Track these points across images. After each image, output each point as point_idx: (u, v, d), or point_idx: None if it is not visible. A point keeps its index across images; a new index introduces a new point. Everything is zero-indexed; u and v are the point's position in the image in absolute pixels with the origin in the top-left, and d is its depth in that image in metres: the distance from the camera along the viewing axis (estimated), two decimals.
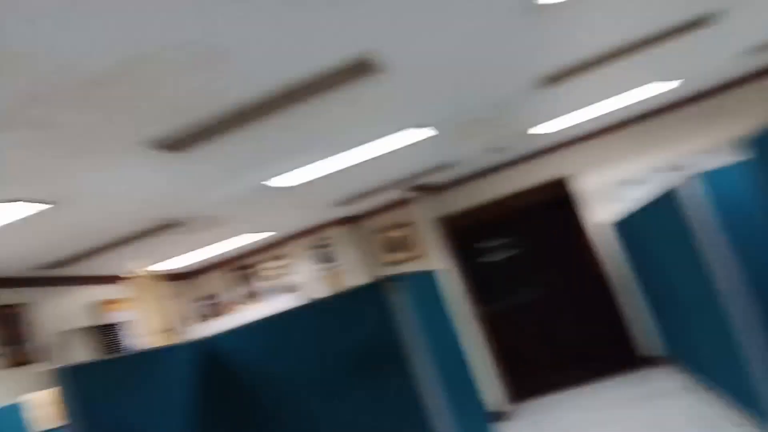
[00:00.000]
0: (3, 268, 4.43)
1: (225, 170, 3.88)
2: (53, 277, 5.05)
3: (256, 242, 6.81)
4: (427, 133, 4.50)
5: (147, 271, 3.83)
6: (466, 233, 9.35)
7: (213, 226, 5.23)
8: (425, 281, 4.41)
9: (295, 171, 4.43)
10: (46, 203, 3.29)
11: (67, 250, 4.48)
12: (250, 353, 3.51)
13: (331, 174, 4.82)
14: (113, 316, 5.66)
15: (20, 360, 4.58)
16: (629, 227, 5.56)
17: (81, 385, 2.16)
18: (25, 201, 3.12)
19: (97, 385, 2.29)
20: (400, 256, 7.13)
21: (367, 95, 3.40)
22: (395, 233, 7.14)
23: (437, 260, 6.56)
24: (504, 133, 5.42)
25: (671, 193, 3.43)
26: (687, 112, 6.55)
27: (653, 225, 4.49)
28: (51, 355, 4.86)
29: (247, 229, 5.94)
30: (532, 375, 8.14)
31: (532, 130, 5.69)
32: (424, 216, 6.67)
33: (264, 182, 4.43)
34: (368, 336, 3.37)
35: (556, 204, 8.98)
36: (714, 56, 5.16)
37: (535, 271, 9.11)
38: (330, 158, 4.42)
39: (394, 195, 6.72)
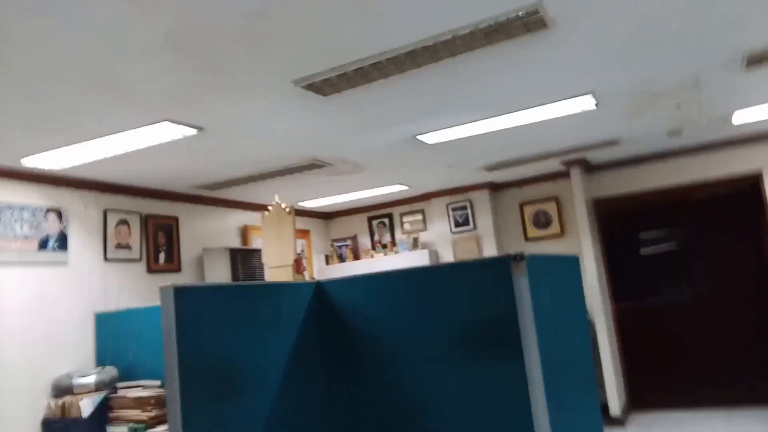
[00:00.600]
0: (161, 183, 4.80)
1: (372, 118, 3.79)
2: (205, 197, 5.41)
3: (397, 193, 6.78)
4: (593, 102, 4.04)
5: (285, 205, 3.90)
6: (619, 220, 8.59)
7: (356, 172, 5.23)
8: (564, 267, 4.05)
9: (447, 128, 4.22)
10: (194, 128, 3.42)
11: (217, 175, 4.73)
12: (365, 305, 3.47)
13: (484, 135, 4.56)
14: (255, 242, 6.00)
15: (169, 267, 5.00)
16: None
17: (180, 307, 2.19)
18: (172, 122, 3.27)
19: (198, 309, 2.32)
20: (544, 232, 6.71)
21: (532, 54, 3.07)
22: (542, 207, 6.71)
23: (583, 243, 6.06)
24: (686, 114, 4.73)
25: None
26: None
27: None
28: (194, 267, 5.26)
29: (390, 180, 5.90)
30: (661, 385, 7.41)
31: (725, 116, 4.91)
32: (578, 194, 6.16)
33: (413, 136, 4.29)
34: (484, 313, 3.17)
35: (734, 202, 7.91)
36: None
37: (689, 272, 8.18)
38: (483, 120, 4.16)
39: (547, 166, 6.27)
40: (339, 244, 7.50)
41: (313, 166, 4.69)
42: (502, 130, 4.43)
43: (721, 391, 6.82)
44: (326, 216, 7.60)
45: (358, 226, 7.53)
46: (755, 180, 6.07)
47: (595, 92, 3.89)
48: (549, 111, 4.10)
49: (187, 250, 5.24)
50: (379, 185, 6.08)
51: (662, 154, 6.23)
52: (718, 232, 8.14)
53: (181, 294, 2.20)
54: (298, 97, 3.16)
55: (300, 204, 6.49)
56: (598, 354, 5.99)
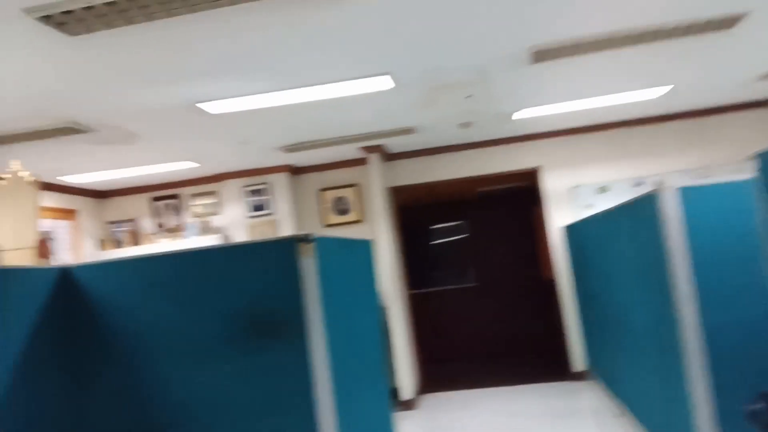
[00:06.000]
0: None
1: (137, 72, 3.21)
2: None
3: (186, 171, 6.13)
4: (392, 83, 3.91)
5: (26, 173, 3.16)
6: (414, 208, 8.89)
7: (129, 141, 4.53)
8: (356, 250, 3.89)
9: (232, 98, 3.78)
10: None
11: None
12: (124, 295, 2.92)
13: (275, 110, 4.20)
14: None
15: None
16: (580, 234, 5.17)
17: None
18: None
19: None
20: (343, 218, 6.58)
21: (324, 19, 2.78)
22: (341, 194, 6.57)
23: (379, 231, 6.03)
24: (476, 108, 4.88)
25: (641, 202, 2.97)
26: (670, 126, 6.17)
27: (607, 236, 4.07)
28: None
29: (175, 155, 5.26)
30: (450, 367, 7.81)
31: (509, 113, 5.17)
32: (375, 181, 6.12)
33: (194, 102, 3.77)
34: (266, 298, 2.84)
35: (519, 196, 8.60)
36: (719, 70, 4.73)
37: (478, 260, 8.75)
38: (275, 92, 3.79)
39: (347, 152, 6.13)
40: (115, 227, 6.60)
41: (72, 130, 3.92)
42: (295, 105, 4.12)
43: (503, 369, 7.34)
44: (99, 194, 6.63)
45: (139, 207, 6.70)
46: (534, 175, 6.57)
47: (393, 74, 3.76)
48: (345, 88, 3.88)
49: None
50: (163, 160, 5.40)
51: (454, 146, 6.45)
52: (501, 222, 8.80)
53: None
54: (34, 33, 2.50)
55: (61, 178, 5.52)
56: (391, 339, 6.01)
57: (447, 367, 7.89)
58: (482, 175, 6.47)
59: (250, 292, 2.85)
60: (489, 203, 8.83)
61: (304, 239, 2.88)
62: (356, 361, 3.50)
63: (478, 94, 4.50)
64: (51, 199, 5.76)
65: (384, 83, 3.87)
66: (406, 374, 5.90)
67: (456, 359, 8.44)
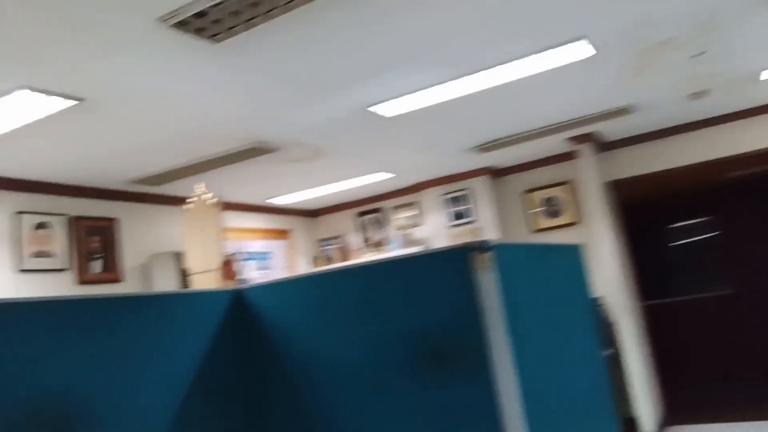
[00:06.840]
0: (89, 178, 4.12)
1: (296, 76, 3.02)
2: (149, 194, 4.72)
3: (385, 183, 5.99)
4: (591, 49, 3.20)
5: (210, 196, 3.18)
6: (645, 204, 7.65)
7: (317, 157, 4.48)
8: (553, 257, 3.23)
9: (405, 95, 3.44)
10: (71, 98, 2.72)
11: (150, 166, 4.03)
12: (294, 315, 2.71)
13: (456, 102, 3.74)
14: None
15: (106, 277, 4.33)
16: None
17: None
18: (32, 90, 2.56)
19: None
20: (554, 221, 5.86)
21: None
22: (550, 193, 5.86)
23: (599, 233, 5.19)
24: (709, 70, 3.85)
25: None
26: None
27: None
28: (138, 276, 4.57)
29: (367, 167, 5.13)
30: (704, 393, 6.44)
31: (757, 71, 4.01)
32: (589, 176, 5.30)
33: (364, 107, 3.52)
34: (437, 320, 2.38)
35: None
36: None
37: (728, 263, 7.19)
38: (451, 81, 3.36)
39: (553, 146, 5.43)
40: (325, 244, 6.75)
41: (261, 150, 3.95)
42: (478, 93, 3.61)
43: None
44: (311, 213, 6.86)
45: (346, 223, 6.77)
46: None
47: (590, 37, 3.06)
48: (532, 64, 3.28)
49: (131, 256, 4.56)
50: (357, 174, 5.31)
51: (687, 125, 5.31)
52: (763, 214, 7.14)
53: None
54: (178, 44, 2.42)
55: (270, 201, 5.76)
56: (622, 360, 5.10)
57: (699, 392, 6.55)
58: (728, 157, 5.22)
59: (418, 313, 2.42)
60: (744, 191, 7.24)
61: (479, 248, 2.37)
62: (564, 392, 2.84)
63: (710, 51, 3.52)
64: (266, 221, 6.08)
65: (581, 50, 3.18)
66: (645, 402, 4.94)
67: (710, 382, 6.99)
